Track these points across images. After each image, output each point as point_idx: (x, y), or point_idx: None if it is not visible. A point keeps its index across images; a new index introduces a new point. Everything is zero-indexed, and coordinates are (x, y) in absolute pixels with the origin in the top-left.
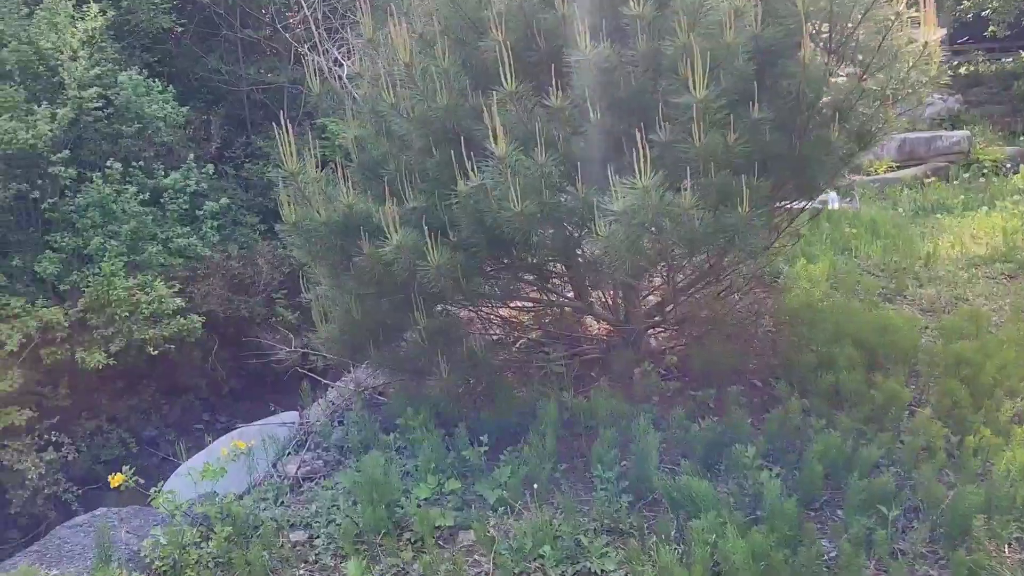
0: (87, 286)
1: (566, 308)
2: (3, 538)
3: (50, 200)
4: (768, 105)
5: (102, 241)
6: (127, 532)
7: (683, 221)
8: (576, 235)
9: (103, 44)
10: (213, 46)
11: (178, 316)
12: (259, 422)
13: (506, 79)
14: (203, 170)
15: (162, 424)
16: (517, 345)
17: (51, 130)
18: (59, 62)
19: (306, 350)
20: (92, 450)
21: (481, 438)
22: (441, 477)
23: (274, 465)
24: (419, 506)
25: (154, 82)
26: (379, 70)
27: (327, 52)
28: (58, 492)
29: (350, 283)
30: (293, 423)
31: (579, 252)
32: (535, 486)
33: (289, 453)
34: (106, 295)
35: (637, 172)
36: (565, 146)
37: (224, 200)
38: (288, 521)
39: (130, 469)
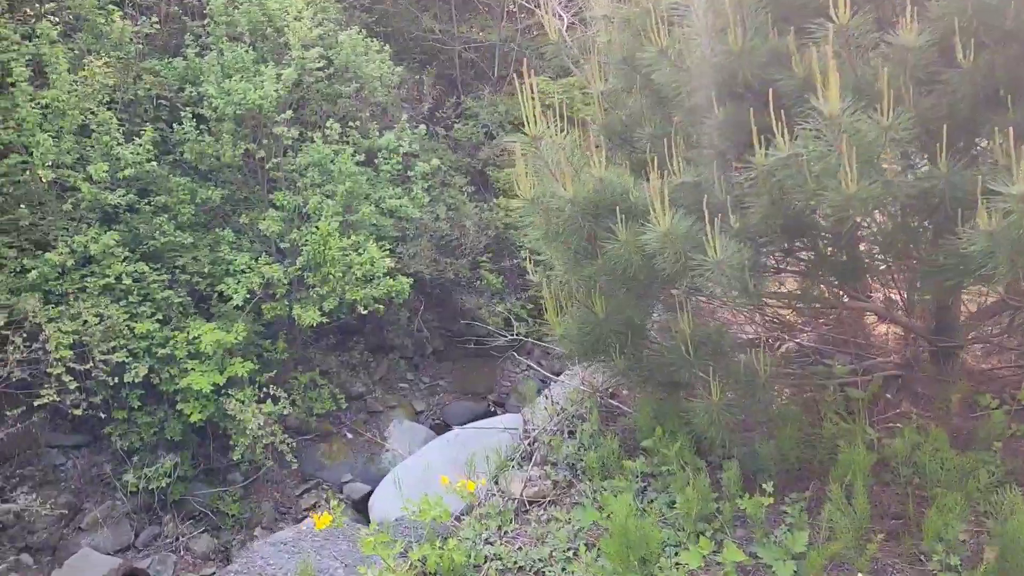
0: (304, 244)
1: (846, 307)
2: (227, 480)
3: (274, 159)
4: None
5: (320, 200)
6: (333, 558)
7: None
8: (917, 225)
9: (325, 4)
10: (428, 5)
11: (388, 277)
12: (477, 424)
13: (838, 9)
14: (415, 131)
15: (369, 381)
16: (782, 349)
17: (276, 90)
18: (285, 23)
19: (519, 336)
20: (305, 403)
21: (764, 484)
22: (711, 530)
23: (495, 480)
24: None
25: (372, 42)
26: (633, 9)
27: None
28: (275, 443)
29: (594, 272)
30: (516, 429)
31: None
32: None
33: (512, 466)
34: (322, 255)
35: None
36: (917, 101)
37: (435, 161)
38: (516, 563)
39: (338, 506)
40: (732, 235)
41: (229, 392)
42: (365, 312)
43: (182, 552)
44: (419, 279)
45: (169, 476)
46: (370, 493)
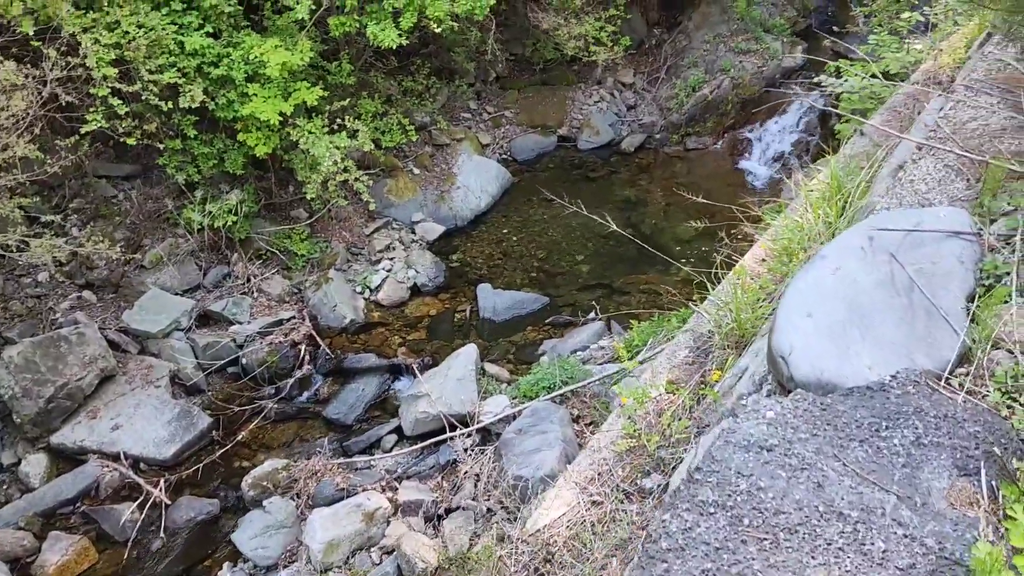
0: None
1: None
2: (291, 218)
3: None
4: None
5: None
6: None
7: None
8: None
9: None
10: None
11: None
12: (898, 222)
13: None
14: None
15: (433, 110)
16: None
17: None
18: None
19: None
20: (372, 134)
21: None
22: None
23: (972, 318)
24: None
25: None
26: None
27: None
28: (349, 180)
29: None
30: (968, 233)
31: None
32: None
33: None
34: None
35: None
36: None
37: None
38: None
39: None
40: None
41: (296, 122)
42: (439, 31)
43: (255, 294)
44: None
45: (234, 213)
46: (445, 233)
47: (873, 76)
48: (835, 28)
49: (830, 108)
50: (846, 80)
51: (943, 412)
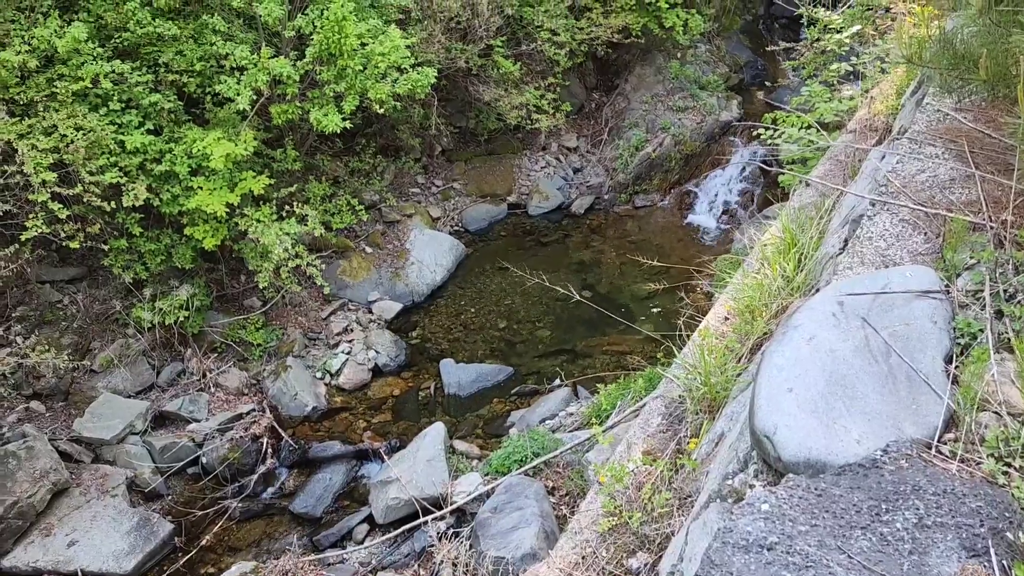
0: (314, 32)
1: None
2: (244, 307)
3: None
4: None
5: None
6: None
7: None
8: None
9: None
10: None
11: (412, 70)
12: (865, 286)
13: None
14: None
15: (381, 188)
16: None
17: None
18: None
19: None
20: (322, 217)
21: None
22: None
23: (953, 379)
24: None
25: None
26: None
27: None
28: (301, 265)
29: None
30: (938, 293)
31: None
32: None
33: (988, 356)
34: (337, 45)
35: None
36: None
37: None
38: None
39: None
40: None
41: (244, 212)
42: (382, 111)
43: (212, 389)
44: None
45: (186, 308)
46: (403, 311)
47: (809, 127)
48: (767, 83)
49: (769, 159)
50: (782, 132)
51: (941, 488)
